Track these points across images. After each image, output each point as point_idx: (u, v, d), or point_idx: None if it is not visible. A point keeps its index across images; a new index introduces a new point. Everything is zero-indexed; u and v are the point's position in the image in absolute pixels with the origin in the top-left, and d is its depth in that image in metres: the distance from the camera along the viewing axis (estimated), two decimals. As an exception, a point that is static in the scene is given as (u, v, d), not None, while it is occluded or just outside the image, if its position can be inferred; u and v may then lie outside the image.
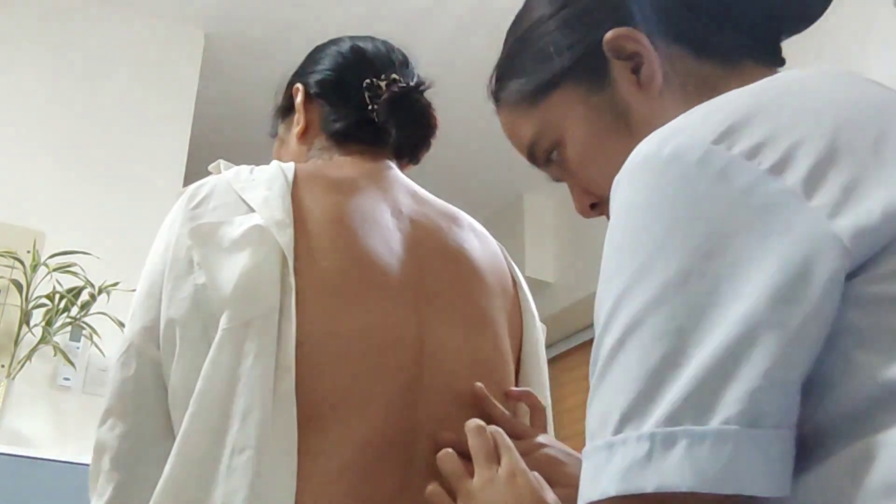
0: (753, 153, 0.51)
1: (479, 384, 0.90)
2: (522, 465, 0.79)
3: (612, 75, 0.73)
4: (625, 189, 0.55)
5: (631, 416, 0.48)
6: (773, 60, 0.74)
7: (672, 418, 0.47)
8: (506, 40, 0.82)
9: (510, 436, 0.86)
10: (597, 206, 0.79)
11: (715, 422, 0.46)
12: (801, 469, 0.48)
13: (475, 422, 0.83)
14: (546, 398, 1.03)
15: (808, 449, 0.48)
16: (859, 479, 0.44)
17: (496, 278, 1.02)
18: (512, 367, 0.98)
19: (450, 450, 0.81)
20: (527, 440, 0.89)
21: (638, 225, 0.53)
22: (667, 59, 0.72)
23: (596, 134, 0.75)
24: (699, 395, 0.47)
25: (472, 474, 0.79)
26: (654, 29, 0.72)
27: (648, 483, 0.46)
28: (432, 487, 0.80)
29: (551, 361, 1.10)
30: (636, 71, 0.72)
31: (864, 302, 0.48)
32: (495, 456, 0.80)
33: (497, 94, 0.83)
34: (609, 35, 0.72)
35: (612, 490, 0.48)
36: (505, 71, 0.81)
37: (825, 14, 0.76)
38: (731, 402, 0.46)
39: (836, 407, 0.48)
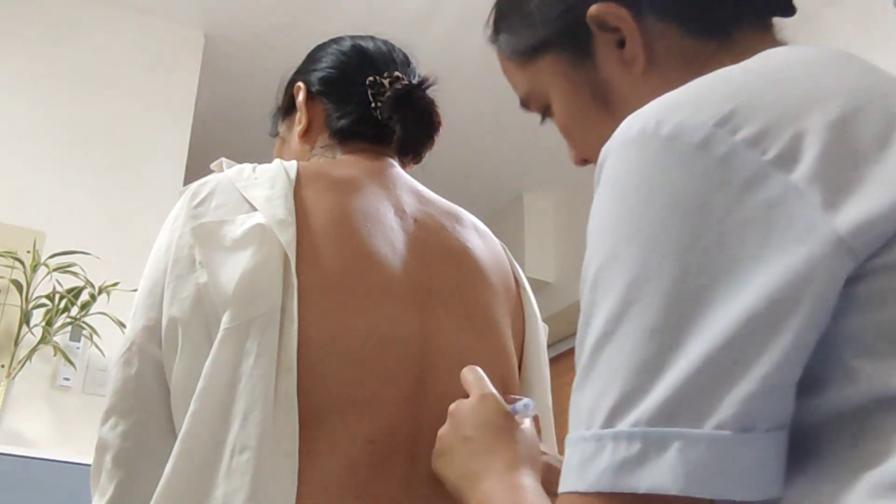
0: (756, 141, 0.49)
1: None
2: (493, 391, 0.81)
3: (595, 49, 0.71)
4: (617, 163, 0.53)
5: (622, 410, 0.47)
6: (769, 28, 0.71)
7: (665, 417, 0.46)
8: None
9: None
10: (587, 161, 0.77)
11: (708, 425, 0.45)
12: (790, 467, 0.48)
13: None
14: (547, 398, 1.03)
15: (796, 447, 0.48)
16: (866, 478, 0.44)
17: (499, 277, 1.01)
18: (516, 367, 0.98)
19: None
20: None
21: (632, 206, 0.51)
22: (653, 36, 0.69)
23: (576, 108, 0.73)
24: (693, 395, 0.46)
25: None
26: (641, 4, 0.69)
27: (641, 484, 0.46)
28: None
29: (552, 361, 1.10)
30: (621, 45, 0.69)
31: (861, 301, 0.47)
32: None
33: (493, 39, 0.81)
34: (593, 10, 0.69)
35: (602, 486, 0.47)
36: (498, 21, 0.80)
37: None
38: (725, 405, 0.45)
39: (828, 409, 0.47)
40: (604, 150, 0.54)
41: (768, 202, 0.47)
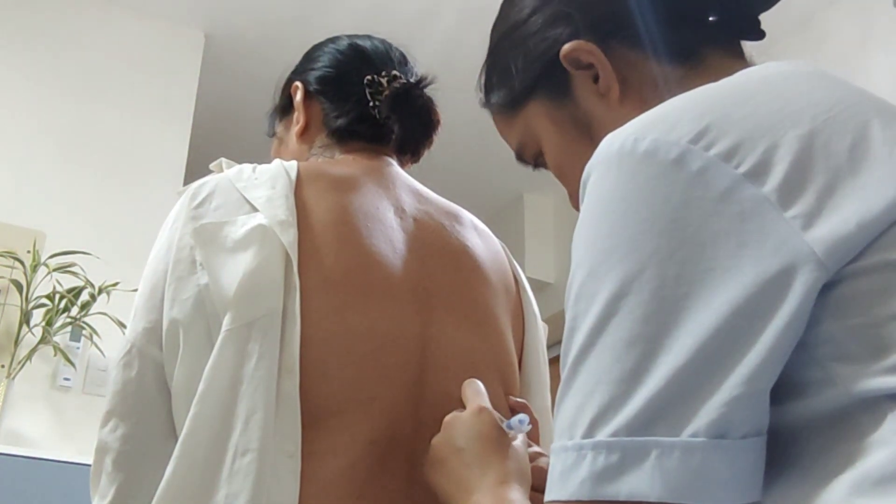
0: (730, 155, 0.50)
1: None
2: (489, 406, 0.81)
3: (573, 86, 0.74)
4: (597, 181, 0.55)
5: (601, 420, 0.49)
6: (738, 50, 0.73)
7: (643, 426, 0.47)
8: (489, 43, 0.84)
9: None
10: None
11: (685, 433, 0.46)
12: (770, 470, 0.48)
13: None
14: (546, 398, 1.03)
15: (776, 451, 0.49)
16: (845, 477, 0.45)
17: (499, 277, 1.01)
18: (516, 367, 0.98)
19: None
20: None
21: (612, 220, 0.52)
22: (624, 65, 0.72)
23: (563, 145, 0.76)
24: (670, 404, 0.47)
25: None
26: (609, 36, 0.72)
27: (620, 492, 0.47)
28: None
29: (552, 361, 1.10)
30: (596, 80, 0.73)
31: (837, 306, 0.48)
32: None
33: (485, 102, 0.86)
34: (565, 49, 0.72)
35: (582, 495, 0.48)
36: (486, 82, 0.84)
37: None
38: (701, 413, 0.46)
39: (809, 412, 0.48)
40: (587, 167, 0.56)
41: (741, 214, 0.49)
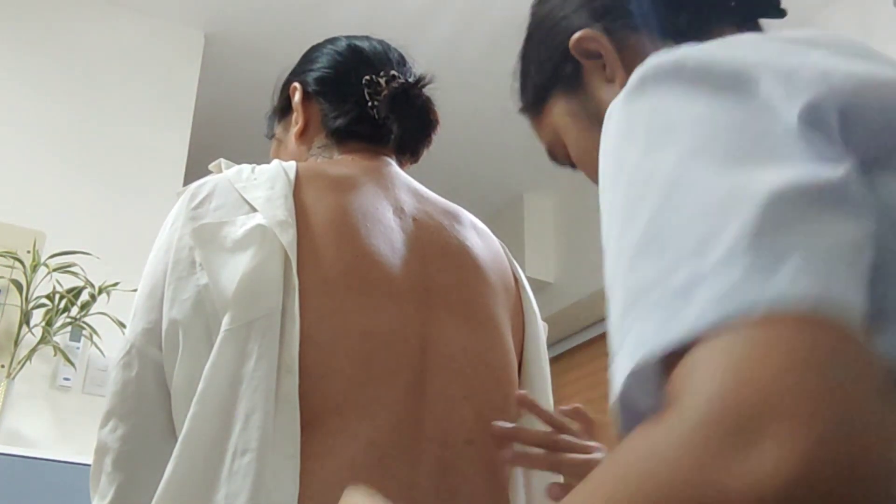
0: (783, 81, 0.47)
1: (522, 391, 0.93)
2: None
3: (585, 78, 0.75)
4: (650, 94, 0.50)
5: (708, 246, 0.38)
6: (757, 30, 0.73)
7: (772, 230, 0.38)
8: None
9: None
10: None
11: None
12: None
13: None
14: (548, 397, 1.03)
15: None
16: None
17: (499, 276, 1.01)
18: (515, 366, 0.98)
19: None
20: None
21: (669, 111, 0.48)
22: (630, 49, 0.71)
23: (581, 138, 0.77)
24: (790, 204, 0.39)
25: None
26: (614, 22, 0.72)
27: (764, 294, 0.35)
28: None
29: (552, 361, 1.10)
30: (605, 68, 0.73)
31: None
32: None
33: (520, 109, 0.86)
34: (572, 40, 0.73)
35: (702, 322, 0.36)
36: (518, 89, 0.85)
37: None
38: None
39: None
40: (628, 83, 0.53)
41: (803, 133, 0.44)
